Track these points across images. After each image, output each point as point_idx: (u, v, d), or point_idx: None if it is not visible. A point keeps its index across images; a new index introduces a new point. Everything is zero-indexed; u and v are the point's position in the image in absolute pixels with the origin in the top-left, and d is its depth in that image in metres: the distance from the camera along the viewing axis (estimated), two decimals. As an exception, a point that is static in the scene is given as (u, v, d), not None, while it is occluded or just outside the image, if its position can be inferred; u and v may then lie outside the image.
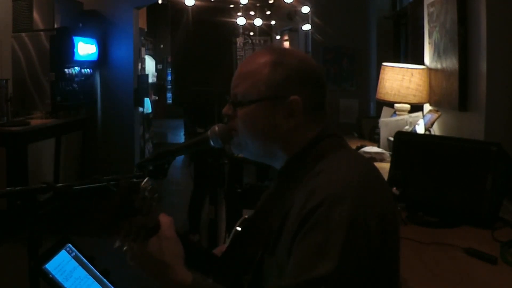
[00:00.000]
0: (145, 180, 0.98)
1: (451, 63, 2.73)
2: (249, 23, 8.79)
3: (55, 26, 5.32)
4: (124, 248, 0.93)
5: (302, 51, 1.09)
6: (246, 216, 1.12)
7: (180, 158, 6.58)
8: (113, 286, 1.30)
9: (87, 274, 1.28)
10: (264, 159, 1.07)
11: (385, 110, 3.72)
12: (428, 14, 3.19)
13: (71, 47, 5.36)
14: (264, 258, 0.98)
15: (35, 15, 5.30)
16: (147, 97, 7.61)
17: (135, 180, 0.99)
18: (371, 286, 0.85)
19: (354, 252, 0.83)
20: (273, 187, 1.07)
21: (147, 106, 7.61)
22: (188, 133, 7.88)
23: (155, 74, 12.95)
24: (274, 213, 0.98)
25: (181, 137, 9.79)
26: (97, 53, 5.92)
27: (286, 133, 1.00)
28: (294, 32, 10.15)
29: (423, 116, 3.08)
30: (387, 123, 3.30)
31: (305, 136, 1.01)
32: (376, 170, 0.99)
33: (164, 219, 0.98)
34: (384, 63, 3.38)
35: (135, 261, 0.96)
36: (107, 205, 0.95)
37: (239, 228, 1.12)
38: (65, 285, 1.21)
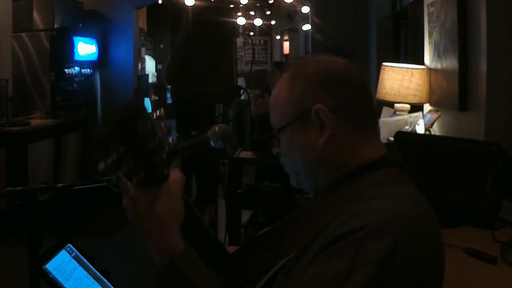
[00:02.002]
0: (160, 110, 0.83)
1: (451, 63, 2.73)
2: (249, 23, 8.79)
3: (55, 26, 5.32)
4: (111, 178, 0.80)
5: (323, 56, 0.96)
6: (272, 227, 1.02)
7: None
8: (113, 286, 1.30)
9: (87, 274, 1.28)
10: (313, 181, 0.94)
11: (385, 110, 3.72)
12: (428, 14, 3.19)
13: (71, 47, 5.36)
14: (278, 275, 0.87)
15: (35, 15, 5.31)
16: (147, 97, 7.62)
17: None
18: None
19: None
20: (311, 203, 0.99)
21: (147, 106, 7.62)
22: (182, 136, 7.83)
23: (155, 74, 12.96)
24: (306, 230, 0.87)
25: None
26: (97, 53, 5.92)
27: (327, 149, 0.89)
28: (294, 32, 10.15)
29: (423, 116, 3.08)
30: (387, 123, 3.30)
31: (360, 153, 0.89)
32: (432, 212, 0.85)
33: (175, 174, 0.86)
34: (384, 63, 3.37)
35: (128, 205, 0.83)
36: (108, 120, 0.78)
37: (262, 233, 1.02)
38: (66, 285, 1.21)
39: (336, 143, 0.89)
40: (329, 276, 0.73)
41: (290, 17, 8.97)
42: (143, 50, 9.05)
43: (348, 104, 0.89)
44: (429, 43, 3.21)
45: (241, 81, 9.04)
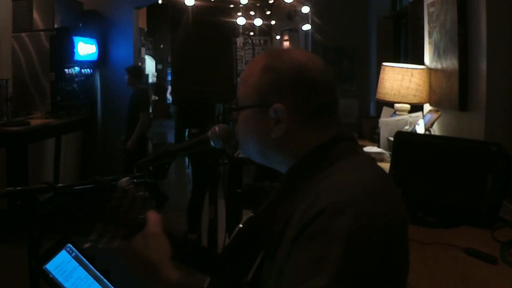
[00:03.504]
0: (124, 179, 0.99)
1: (451, 63, 2.73)
2: (249, 23, 8.79)
3: (55, 26, 5.33)
4: (99, 245, 0.93)
5: (305, 52, 1.02)
6: (252, 215, 1.11)
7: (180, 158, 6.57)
8: (113, 286, 1.30)
9: (88, 274, 1.28)
10: (263, 161, 1.05)
11: (385, 110, 3.72)
12: (428, 14, 3.19)
13: (71, 47, 5.37)
14: (264, 262, 0.95)
15: (35, 15, 5.31)
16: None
17: (113, 181, 1.01)
18: None
19: (352, 267, 0.78)
20: (278, 189, 1.05)
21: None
22: (181, 134, 7.80)
23: (155, 74, 12.96)
24: (278, 216, 0.94)
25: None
26: (97, 53, 5.92)
27: (279, 140, 0.96)
28: (294, 32, 10.15)
29: (423, 116, 3.08)
30: (387, 123, 3.30)
31: (308, 142, 0.96)
32: (387, 177, 0.94)
33: (152, 216, 0.97)
34: (384, 63, 3.37)
35: (122, 257, 0.96)
36: (84, 207, 0.98)
37: (242, 226, 1.09)
38: (66, 285, 1.21)
39: (289, 138, 0.96)
40: (309, 259, 0.79)
41: (290, 17, 8.97)
42: (143, 50, 9.05)
43: (311, 109, 0.95)
44: (429, 43, 3.21)
45: (241, 81, 9.03)
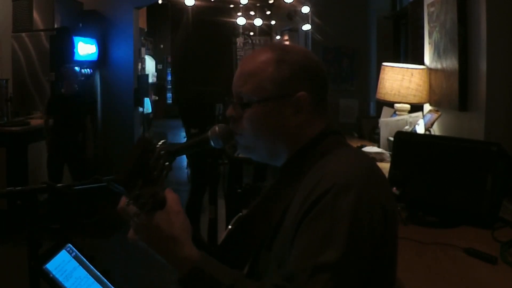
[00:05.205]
0: (161, 141, 0.92)
1: (451, 63, 2.73)
2: (249, 23, 8.78)
3: (55, 26, 5.33)
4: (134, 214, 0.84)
5: (301, 46, 1.07)
6: (241, 214, 1.11)
7: (179, 159, 6.58)
8: (113, 286, 1.30)
9: (88, 274, 1.28)
10: (269, 159, 1.06)
11: (385, 110, 3.72)
12: (428, 14, 3.20)
13: (71, 47, 5.36)
14: (261, 253, 0.98)
15: (35, 15, 5.31)
16: (147, 97, 7.62)
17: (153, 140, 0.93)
18: (373, 275, 0.87)
19: (358, 241, 0.84)
20: (274, 182, 1.07)
21: (147, 106, 7.62)
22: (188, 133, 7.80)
23: (155, 74, 12.96)
24: (274, 208, 0.98)
25: (181, 137, 9.78)
26: (97, 53, 5.92)
27: (293, 130, 1.00)
28: (294, 32, 10.15)
29: (423, 116, 3.08)
30: (387, 123, 3.30)
31: (310, 132, 1.01)
32: (378, 167, 0.99)
33: (171, 194, 0.92)
34: (384, 63, 3.38)
35: (140, 233, 0.89)
36: (127, 158, 0.87)
37: (233, 224, 1.10)
38: (66, 285, 1.21)
39: (300, 127, 1.01)
40: (318, 235, 0.84)
41: (290, 17, 8.96)
42: (143, 50, 9.04)
43: (320, 97, 1.03)
44: (429, 43, 3.21)
45: (241, 81, 9.03)
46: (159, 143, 0.91)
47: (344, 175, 0.89)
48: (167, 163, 0.90)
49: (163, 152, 0.90)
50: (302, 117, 0.99)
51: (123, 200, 0.87)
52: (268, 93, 0.99)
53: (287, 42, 11.25)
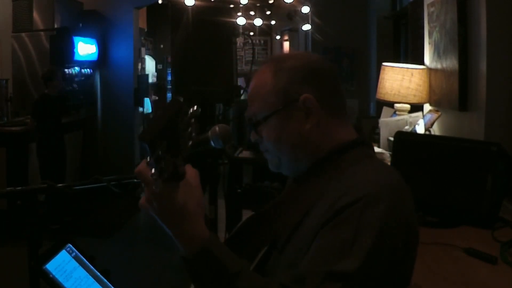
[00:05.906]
0: (195, 107, 0.83)
1: (451, 63, 2.73)
2: (249, 23, 8.77)
3: (55, 26, 5.32)
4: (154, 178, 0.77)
5: (301, 51, 1.04)
6: (254, 213, 1.09)
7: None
8: (113, 286, 1.30)
9: (88, 274, 1.28)
10: (297, 170, 1.03)
11: (385, 110, 3.72)
12: (428, 14, 3.20)
13: (71, 47, 5.36)
14: (271, 254, 0.96)
15: (35, 15, 5.31)
16: (147, 97, 7.61)
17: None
18: None
19: (379, 256, 0.82)
20: (294, 185, 1.06)
21: (147, 106, 7.61)
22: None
23: (155, 74, 12.94)
24: (293, 210, 0.97)
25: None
26: (97, 53, 5.92)
27: (310, 134, 0.98)
28: (294, 32, 10.14)
29: (423, 116, 3.08)
30: (387, 123, 3.30)
31: (333, 137, 0.99)
32: (404, 182, 0.97)
33: (190, 169, 0.87)
34: (384, 63, 3.37)
35: (153, 202, 0.83)
36: (156, 116, 0.82)
37: (245, 221, 1.08)
38: (66, 285, 1.21)
39: (319, 129, 0.98)
40: (338, 243, 0.83)
41: (290, 17, 8.96)
42: (143, 50, 9.02)
43: (328, 93, 1.00)
44: (429, 43, 3.21)
45: (241, 81, 9.03)
46: (191, 110, 0.83)
47: (375, 187, 0.88)
48: (194, 134, 0.83)
49: (193, 120, 0.83)
50: (315, 119, 0.97)
51: (144, 162, 0.81)
52: (274, 106, 0.98)
53: (287, 42, 11.25)
